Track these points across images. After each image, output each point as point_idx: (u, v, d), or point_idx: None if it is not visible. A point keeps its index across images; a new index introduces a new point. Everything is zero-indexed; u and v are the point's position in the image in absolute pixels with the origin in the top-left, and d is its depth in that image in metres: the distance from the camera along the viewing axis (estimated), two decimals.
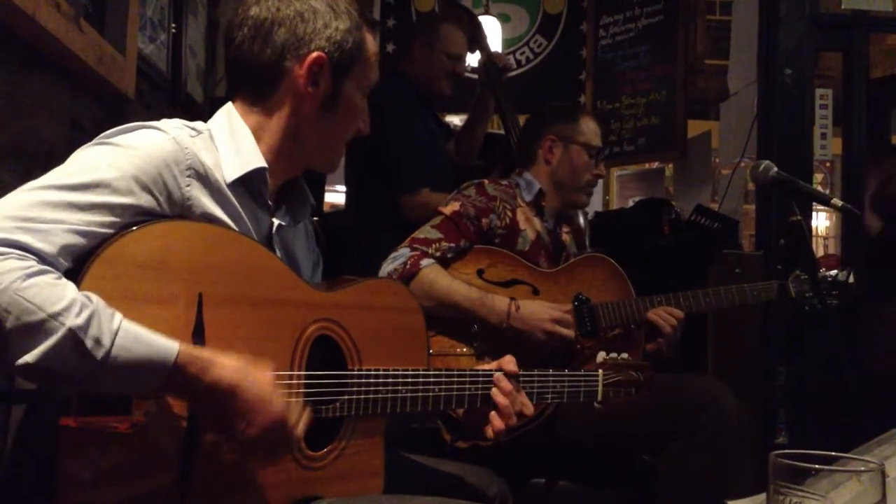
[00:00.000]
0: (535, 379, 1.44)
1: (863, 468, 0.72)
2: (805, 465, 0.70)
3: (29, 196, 0.99)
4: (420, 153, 2.66)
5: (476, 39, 3.06)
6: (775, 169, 1.88)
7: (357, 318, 1.27)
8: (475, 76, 3.16)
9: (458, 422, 1.57)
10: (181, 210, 1.12)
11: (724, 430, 1.81)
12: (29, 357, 0.90)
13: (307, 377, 1.18)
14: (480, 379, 1.36)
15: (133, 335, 0.96)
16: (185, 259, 1.07)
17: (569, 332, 1.95)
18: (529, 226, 2.12)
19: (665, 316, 2.04)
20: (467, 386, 1.35)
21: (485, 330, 1.94)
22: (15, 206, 0.98)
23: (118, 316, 0.96)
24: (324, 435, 1.22)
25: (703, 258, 2.82)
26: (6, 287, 0.90)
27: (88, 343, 0.92)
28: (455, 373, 1.34)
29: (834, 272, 1.98)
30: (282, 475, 1.15)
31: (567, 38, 4.92)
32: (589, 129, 2.22)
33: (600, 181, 2.42)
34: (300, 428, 1.09)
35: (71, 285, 0.95)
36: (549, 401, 1.49)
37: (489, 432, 1.36)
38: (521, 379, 1.40)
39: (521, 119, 2.64)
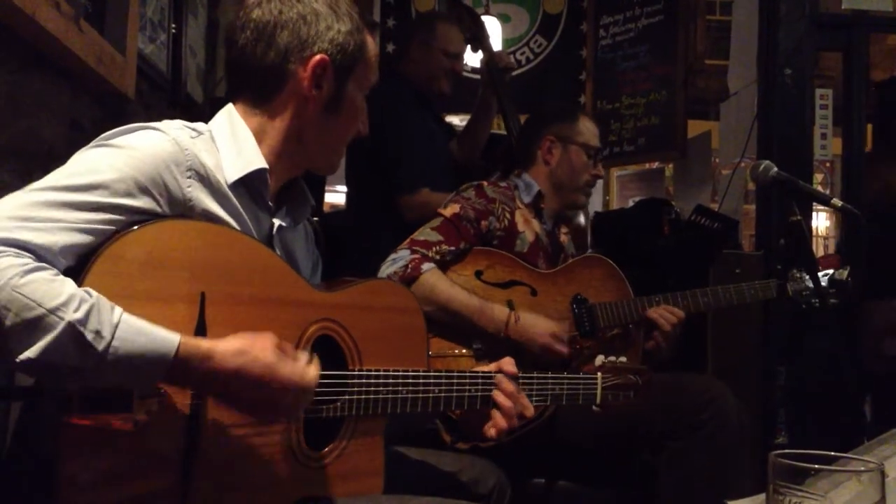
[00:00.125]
0: (535, 381, 1.45)
1: (863, 468, 0.72)
2: (805, 465, 0.70)
3: (28, 196, 1.00)
4: (420, 153, 2.66)
5: (478, 39, 3.06)
6: (775, 169, 1.88)
7: (358, 319, 1.27)
8: (477, 76, 3.16)
9: (457, 423, 1.57)
10: (182, 210, 1.12)
11: (724, 429, 1.81)
12: (30, 353, 0.90)
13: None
14: (480, 380, 1.36)
15: (134, 327, 0.96)
16: (188, 258, 1.07)
17: (564, 350, 1.94)
18: (528, 227, 2.12)
19: (665, 315, 2.04)
20: (467, 387, 1.35)
21: (484, 333, 1.94)
22: (14, 207, 0.98)
23: (118, 309, 0.96)
24: (324, 434, 1.22)
25: (703, 258, 2.82)
26: (4, 284, 0.90)
27: (89, 336, 0.92)
28: (455, 374, 1.35)
29: (830, 271, 1.98)
30: (282, 474, 1.15)
31: (567, 38, 4.92)
32: (587, 129, 2.22)
33: (600, 181, 2.42)
34: (313, 375, 1.09)
35: (69, 281, 0.95)
36: (547, 403, 1.49)
37: (491, 432, 1.36)
38: (521, 381, 1.41)
39: (523, 119, 2.64)
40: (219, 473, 1.08)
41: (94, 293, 0.95)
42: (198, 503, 1.06)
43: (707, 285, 2.18)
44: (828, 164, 6.83)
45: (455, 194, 2.11)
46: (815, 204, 2.72)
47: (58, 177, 1.04)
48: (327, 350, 1.23)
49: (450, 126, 3.19)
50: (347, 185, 2.94)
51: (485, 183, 2.13)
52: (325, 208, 4.23)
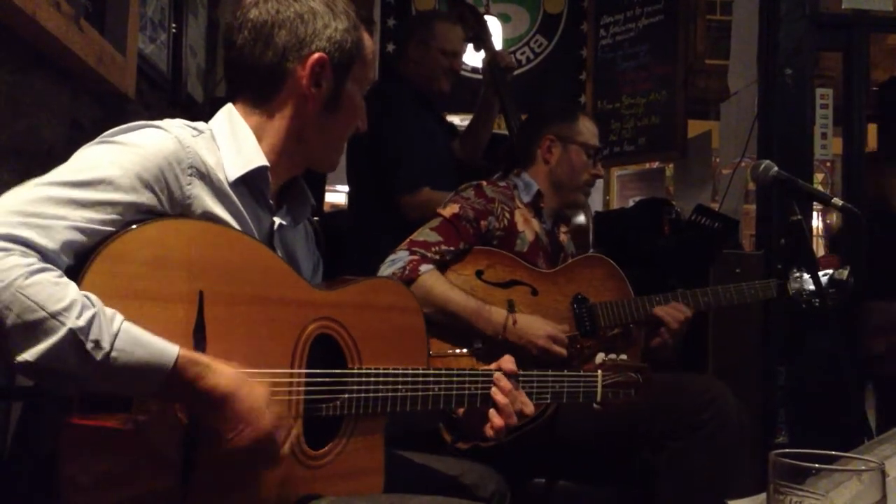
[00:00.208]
0: (535, 379, 1.45)
1: (863, 468, 0.72)
2: (805, 464, 0.70)
3: (32, 192, 1.00)
4: (419, 153, 2.66)
5: (481, 38, 3.05)
6: (776, 169, 1.88)
7: (357, 318, 1.27)
8: (479, 76, 3.15)
9: (458, 422, 1.57)
10: (182, 209, 1.12)
11: (724, 429, 1.81)
12: (28, 356, 0.90)
13: (307, 376, 1.18)
14: (480, 378, 1.36)
15: (133, 338, 0.96)
16: (186, 257, 1.07)
17: (562, 351, 1.94)
18: (528, 227, 2.12)
19: (673, 312, 2.04)
20: (467, 385, 1.35)
21: (484, 334, 1.94)
22: (18, 202, 0.98)
23: (119, 318, 0.96)
24: (324, 433, 1.22)
25: (703, 258, 2.82)
26: (8, 284, 0.90)
27: (88, 345, 0.92)
28: (455, 372, 1.34)
29: (830, 271, 1.98)
30: (282, 474, 1.15)
31: (567, 37, 4.92)
32: (587, 128, 2.22)
33: (600, 181, 2.42)
34: (286, 447, 1.10)
35: (73, 285, 0.95)
36: (548, 401, 1.49)
37: (489, 431, 1.36)
38: (521, 379, 1.40)
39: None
40: (218, 473, 1.08)
41: (96, 299, 0.95)
42: (198, 503, 1.06)
43: (707, 285, 2.18)
44: (828, 164, 6.82)
45: (454, 194, 2.10)
46: (815, 204, 2.71)
47: (61, 173, 1.04)
48: (327, 349, 1.23)
49: (451, 126, 3.18)
50: (349, 184, 2.94)
51: (484, 183, 2.13)
52: (326, 208, 4.23)
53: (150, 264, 1.04)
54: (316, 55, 1.22)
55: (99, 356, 0.93)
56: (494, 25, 4.45)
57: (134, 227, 1.04)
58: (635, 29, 4.73)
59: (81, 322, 0.92)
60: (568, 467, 2.08)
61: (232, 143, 1.21)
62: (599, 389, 1.53)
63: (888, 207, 3.03)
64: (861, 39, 2.94)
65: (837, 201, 1.84)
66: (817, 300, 1.98)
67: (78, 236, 1.00)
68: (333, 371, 1.21)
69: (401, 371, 1.28)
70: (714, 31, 5.33)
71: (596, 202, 5.29)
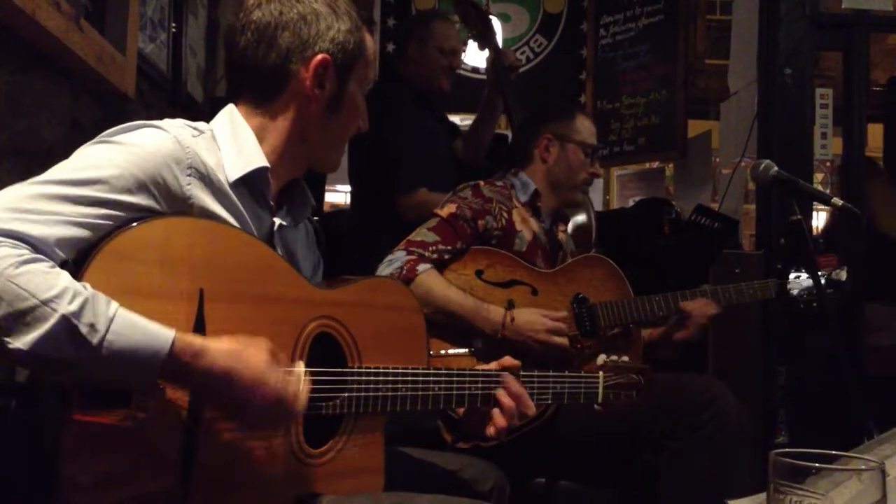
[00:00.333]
0: (536, 379, 1.45)
1: (863, 467, 0.72)
2: (805, 464, 0.70)
3: (28, 189, 1.00)
4: (419, 153, 2.66)
5: (485, 37, 3.05)
6: (775, 168, 1.88)
7: (357, 316, 1.27)
8: (481, 76, 3.15)
9: (458, 422, 1.57)
10: (181, 208, 1.12)
11: (724, 429, 1.81)
12: (21, 344, 0.90)
13: (307, 374, 1.18)
14: (480, 378, 1.36)
15: (129, 322, 0.96)
16: (187, 255, 1.07)
17: (563, 341, 1.94)
18: (526, 226, 2.12)
19: (702, 308, 2.08)
20: (467, 385, 1.35)
21: (483, 333, 1.94)
22: (13, 199, 0.98)
23: (114, 304, 0.96)
24: (324, 432, 1.22)
25: (703, 258, 2.82)
26: None
27: (83, 329, 0.92)
28: (455, 371, 1.34)
29: (829, 271, 1.98)
30: (282, 472, 1.15)
31: (567, 37, 4.92)
32: (584, 127, 2.22)
33: (599, 181, 2.42)
34: (302, 397, 1.09)
35: (65, 273, 0.95)
36: (548, 401, 1.49)
37: (490, 431, 1.36)
38: (522, 379, 1.40)
39: None
40: (218, 472, 1.08)
41: (90, 287, 0.95)
42: (198, 502, 1.06)
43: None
44: (828, 164, 6.82)
45: (452, 194, 2.11)
46: (815, 204, 2.71)
47: (58, 171, 1.04)
48: (327, 347, 1.23)
49: (453, 125, 3.18)
50: (350, 184, 2.94)
51: (481, 182, 2.13)
52: (326, 208, 4.24)
53: (151, 262, 1.04)
54: (319, 56, 1.22)
55: (95, 339, 0.93)
56: (494, 25, 4.45)
57: (135, 224, 1.04)
58: (635, 29, 4.72)
59: (73, 307, 0.92)
60: (568, 468, 2.08)
61: (233, 143, 1.21)
62: (601, 390, 1.53)
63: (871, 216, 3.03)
64: (861, 39, 2.94)
65: (837, 201, 1.84)
66: (817, 300, 1.98)
67: (73, 231, 1.00)
68: (333, 370, 1.21)
69: (401, 370, 1.28)
70: (714, 31, 5.33)
71: (596, 202, 5.27)
